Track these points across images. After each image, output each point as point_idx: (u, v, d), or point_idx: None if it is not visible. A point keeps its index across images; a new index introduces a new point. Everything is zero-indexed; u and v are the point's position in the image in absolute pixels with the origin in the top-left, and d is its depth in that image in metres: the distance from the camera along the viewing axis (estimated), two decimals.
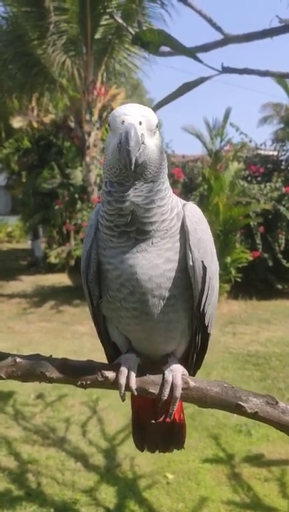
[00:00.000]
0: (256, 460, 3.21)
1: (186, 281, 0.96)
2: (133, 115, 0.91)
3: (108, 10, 8.88)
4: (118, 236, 0.94)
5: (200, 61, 1.55)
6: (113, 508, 2.67)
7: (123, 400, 1.03)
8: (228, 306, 8.28)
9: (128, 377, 1.00)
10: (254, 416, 0.98)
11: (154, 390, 1.01)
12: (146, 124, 0.91)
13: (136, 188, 0.92)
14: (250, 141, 9.81)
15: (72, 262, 10.92)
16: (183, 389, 1.00)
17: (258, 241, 8.40)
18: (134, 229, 0.93)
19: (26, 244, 19.70)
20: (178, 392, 0.99)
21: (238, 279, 8.44)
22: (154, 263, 0.93)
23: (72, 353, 5.63)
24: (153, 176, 0.94)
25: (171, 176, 8.83)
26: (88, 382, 1.02)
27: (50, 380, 1.04)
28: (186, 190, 8.66)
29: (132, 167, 0.87)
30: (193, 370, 1.13)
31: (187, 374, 1.05)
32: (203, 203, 8.43)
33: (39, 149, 12.18)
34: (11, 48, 9.68)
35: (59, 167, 11.31)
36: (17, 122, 12.22)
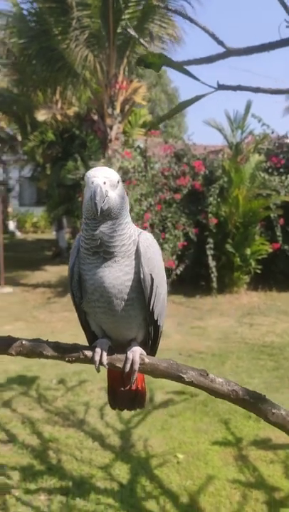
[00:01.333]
0: (263, 444, 3.38)
1: (140, 288, 1.31)
2: (99, 177, 1.25)
3: (130, 4, 9.00)
4: (92, 255, 1.29)
5: (197, 79, 1.71)
6: (126, 483, 2.90)
7: (98, 372, 1.37)
8: (247, 298, 8.40)
9: (101, 356, 1.33)
10: (191, 384, 1.25)
11: (120, 365, 1.35)
12: (109, 182, 1.24)
13: (104, 222, 1.27)
14: (273, 132, 9.81)
15: None
16: (140, 364, 1.34)
17: (278, 233, 8.46)
18: (102, 250, 1.28)
19: (51, 234, 20.10)
20: (136, 366, 1.33)
21: (258, 271, 8.54)
22: (116, 275, 1.28)
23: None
24: (116, 215, 1.28)
25: (192, 168, 8.94)
26: (73, 359, 1.36)
27: (47, 357, 1.28)
28: (206, 183, 8.75)
29: (98, 214, 1.22)
30: (152, 352, 1.48)
31: (144, 354, 1.37)
32: (223, 196, 8.54)
33: (63, 142, 12.44)
34: (36, 43, 9.91)
35: (82, 159, 11.54)
36: (41, 115, 12.47)
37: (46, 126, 12.57)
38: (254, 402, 1.26)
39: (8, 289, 9.33)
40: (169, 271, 8.06)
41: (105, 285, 1.29)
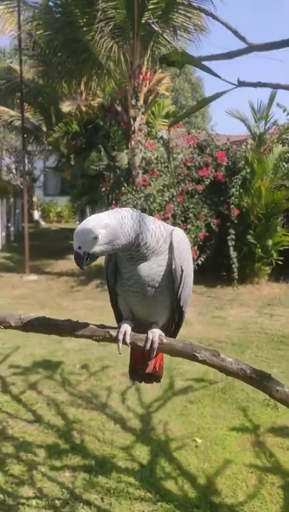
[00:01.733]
0: (280, 431, 3.47)
1: (171, 277, 1.43)
2: (75, 244, 1.32)
3: None
4: (127, 259, 1.45)
5: (218, 76, 1.78)
6: (146, 463, 3.02)
7: (120, 353, 1.50)
8: (268, 288, 8.42)
9: (124, 335, 1.45)
10: (204, 362, 1.35)
11: (141, 344, 1.47)
12: (84, 245, 1.30)
13: (123, 250, 1.41)
14: None
15: None
16: (159, 343, 1.45)
17: None
18: (136, 258, 1.43)
19: (74, 224, 20.33)
20: (155, 345, 1.44)
21: (279, 262, 8.53)
22: (151, 266, 1.41)
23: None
24: (129, 244, 1.36)
25: (214, 159, 8.94)
26: (100, 338, 1.49)
27: (78, 336, 1.40)
28: (229, 174, 8.75)
29: (83, 269, 1.36)
30: (173, 335, 1.62)
31: (163, 335, 1.48)
32: (246, 187, 8.54)
33: (87, 133, 12.57)
34: (61, 34, 10.01)
35: (106, 150, 11.65)
36: (66, 106, 12.60)
37: (71, 117, 12.71)
38: (260, 380, 1.36)
39: (33, 277, 9.55)
40: None
41: (141, 274, 1.42)
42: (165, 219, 8.32)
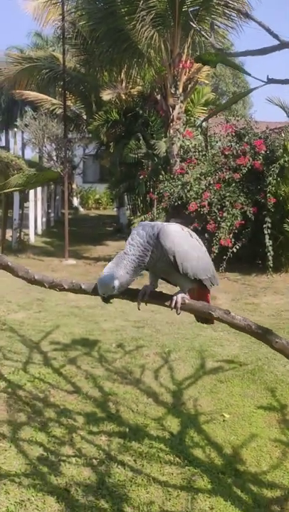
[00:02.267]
0: None
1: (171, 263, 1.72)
2: (100, 291, 1.82)
3: None
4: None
5: (248, 74, 1.94)
6: (176, 433, 3.25)
7: (139, 309, 1.88)
8: None
9: (143, 296, 1.78)
10: (218, 319, 1.57)
11: (167, 304, 1.77)
12: (106, 292, 1.78)
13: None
14: None
15: None
16: (181, 304, 1.73)
17: None
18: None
19: (112, 211, 20.67)
20: (178, 305, 1.74)
21: None
22: (155, 260, 1.74)
23: (149, 312, 6.26)
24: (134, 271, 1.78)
25: (252, 147, 8.96)
26: (125, 295, 1.85)
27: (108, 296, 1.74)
28: (266, 162, 8.76)
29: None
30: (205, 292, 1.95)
31: (186, 297, 1.74)
32: (283, 175, 8.54)
33: (126, 121, 12.76)
34: (104, 24, 10.20)
35: (144, 138, 11.82)
36: (107, 95, 12.83)
37: (111, 105, 12.92)
38: (263, 334, 1.56)
39: (72, 261, 9.91)
40: (224, 249, 8.25)
41: (155, 265, 1.80)
42: (201, 207, 8.47)
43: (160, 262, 1.75)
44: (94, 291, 1.85)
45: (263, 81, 2.02)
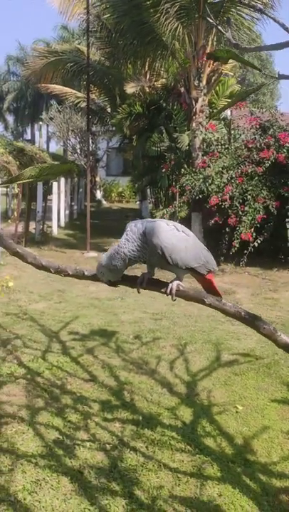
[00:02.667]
0: None
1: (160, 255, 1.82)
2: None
3: None
4: None
5: (259, 70, 1.97)
6: (188, 422, 3.31)
7: (139, 292, 1.98)
8: None
9: (142, 282, 1.89)
10: (210, 305, 1.61)
11: (163, 290, 1.88)
12: (102, 278, 1.91)
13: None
14: None
15: None
16: (176, 290, 1.83)
17: None
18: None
19: (135, 204, 20.74)
20: (173, 291, 1.84)
21: None
22: (147, 254, 1.85)
23: (168, 305, 6.32)
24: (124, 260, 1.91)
25: (276, 140, 8.87)
26: (126, 282, 1.96)
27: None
28: None
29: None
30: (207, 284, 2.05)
31: (181, 284, 1.85)
32: None
33: (149, 114, 12.77)
34: (128, 17, 10.22)
35: (167, 131, 11.82)
36: (130, 88, 12.86)
37: (134, 98, 12.95)
38: (252, 320, 1.62)
39: (93, 254, 10.04)
40: (246, 244, 8.23)
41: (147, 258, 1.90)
42: (223, 201, 8.45)
43: (152, 256, 1.86)
44: (96, 277, 1.96)
45: (273, 77, 2.05)
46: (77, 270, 1.87)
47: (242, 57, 1.96)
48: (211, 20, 2.44)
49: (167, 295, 1.87)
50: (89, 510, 2.44)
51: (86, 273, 1.94)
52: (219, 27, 2.38)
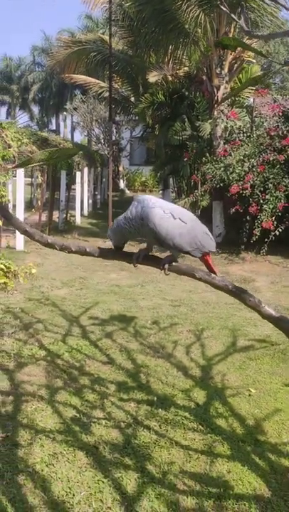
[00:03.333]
0: None
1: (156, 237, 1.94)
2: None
3: None
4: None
5: (265, 56, 2.02)
6: (201, 404, 3.41)
7: (135, 267, 2.12)
8: None
9: (137, 258, 2.01)
10: (200, 279, 1.70)
11: (158, 265, 1.98)
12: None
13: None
14: None
15: (198, 212, 11.55)
16: (168, 265, 1.95)
17: None
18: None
19: (158, 193, 20.76)
20: (166, 266, 1.96)
21: None
22: (142, 233, 1.98)
23: (187, 292, 6.40)
24: (125, 230, 2.05)
25: None
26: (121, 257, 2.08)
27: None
28: None
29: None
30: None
31: (175, 260, 1.98)
32: None
33: (172, 102, 12.74)
34: (150, 5, 10.19)
35: (189, 120, 11.78)
36: (153, 77, 12.85)
37: (157, 87, 12.93)
38: (239, 293, 1.71)
39: None
40: (266, 232, 8.21)
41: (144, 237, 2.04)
42: (243, 189, 8.43)
43: (148, 237, 2.01)
44: (99, 255, 2.09)
45: (280, 63, 2.10)
46: (79, 247, 1.98)
47: (252, 46, 2.01)
48: (224, 8, 2.50)
49: (161, 269, 1.99)
50: (102, 482, 2.56)
51: (88, 249, 2.05)
52: (232, 15, 2.43)
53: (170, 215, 1.96)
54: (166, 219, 1.95)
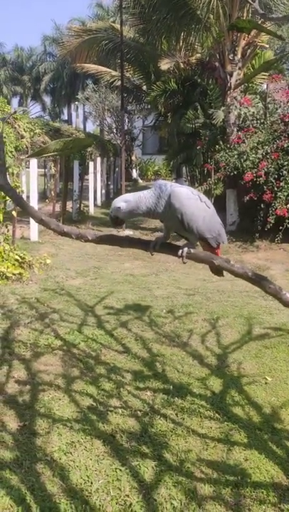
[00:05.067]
0: None
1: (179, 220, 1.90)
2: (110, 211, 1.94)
3: None
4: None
5: (282, 38, 1.98)
6: (218, 392, 3.41)
7: (152, 254, 2.02)
8: None
9: (154, 245, 1.94)
10: (218, 267, 1.69)
11: (176, 252, 1.93)
12: (113, 211, 1.92)
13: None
14: None
15: (212, 200, 11.47)
16: (187, 253, 1.89)
17: None
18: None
19: (171, 182, 20.64)
20: (184, 254, 1.90)
21: None
22: (164, 217, 1.94)
23: (201, 281, 6.38)
24: (144, 213, 1.96)
25: None
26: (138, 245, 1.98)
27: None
28: None
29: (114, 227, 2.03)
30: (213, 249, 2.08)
31: (193, 248, 1.93)
32: None
33: (184, 90, 12.61)
34: None
35: (202, 107, 11.66)
36: (165, 64, 12.74)
37: (169, 75, 12.80)
38: (258, 280, 1.69)
39: (128, 232, 10.16)
40: (281, 219, 8.13)
41: (164, 221, 2.01)
42: (257, 177, 8.34)
43: (171, 219, 1.94)
44: (101, 240, 2.01)
45: None
46: (96, 235, 1.95)
47: (271, 28, 1.96)
48: None
49: (179, 257, 1.95)
50: (120, 470, 2.58)
51: (103, 238, 2.03)
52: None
53: (197, 197, 1.94)
54: (193, 200, 1.93)
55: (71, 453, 2.71)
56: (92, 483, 2.47)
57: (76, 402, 3.23)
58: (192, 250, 1.91)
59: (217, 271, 2.12)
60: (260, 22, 7.50)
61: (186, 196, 1.91)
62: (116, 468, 2.59)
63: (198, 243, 2.04)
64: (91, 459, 2.66)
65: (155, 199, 1.90)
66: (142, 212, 1.92)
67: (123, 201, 1.91)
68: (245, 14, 9.56)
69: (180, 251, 1.92)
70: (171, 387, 3.47)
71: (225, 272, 1.97)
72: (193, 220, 1.91)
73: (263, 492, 2.43)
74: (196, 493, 2.41)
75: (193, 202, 1.92)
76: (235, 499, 2.38)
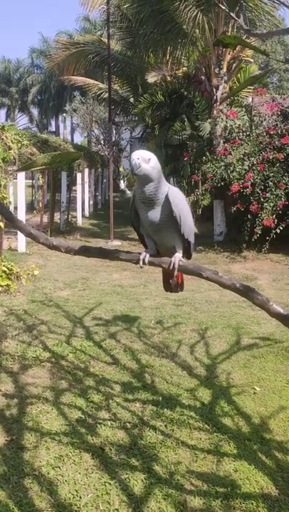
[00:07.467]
0: None
1: (172, 220, 1.89)
2: (135, 155, 1.78)
3: None
4: (142, 203, 1.89)
5: (266, 54, 2.02)
6: (207, 403, 3.40)
7: (141, 267, 1.96)
8: None
9: (144, 258, 1.90)
10: (207, 278, 1.69)
11: (165, 266, 1.90)
12: (141, 158, 1.77)
13: (147, 185, 1.83)
14: None
15: (199, 211, 11.56)
16: (179, 265, 1.88)
17: None
18: (147, 201, 1.86)
19: None
20: (176, 266, 1.88)
21: None
22: (156, 214, 1.87)
23: (190, 291, 6.40)
24: (152, 181, 1.81)
25: None
26: (128, 258, 1.93)
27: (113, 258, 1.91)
28: None
29: (132, 175, 1.82)
30: (188, 256, 2.08)
31: (183, 260, 1.93)
32: None
33: (171, 102, 12.76)
34: (148, 6, 10.19)
35: (189, 119, 11.80)
36: (152, 77, 12.87)
37: (156, 87, 12.94)
38: (246, 292, 1.69)
39: (117, 243, 10.17)
40: (268, 230, 8.21)
41: (150, 219, 1.91)
42: (244, 188, 8.43)
43: (164, 218, 1.90)
44: (100, 254, 2.01)
45: (281, 61, 2.09)
46: (85, 247, 1.94)
47: (254, 43, 2.00)
48: (223, 7, 2.49)
49: (169, 269, 1.93)
50: (109, 483, 2.56)
51: (92, 251, 2.01)
52: (231, 13, 2.42)
53: (186, 198, 1.98)
54: (186, 201, 1.98)
55: (59, 467, 2.68)
56: (80, 497, 2.44)
57: (64, 415, 3.20)
58: (182, 262, 1.91)
59: (171, 288, 2.20)
60: (244, 37, 7.68)
61: (182, 197, 1.95)
62: (105, 482, 2.57)
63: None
64: (80, 473, 2.64)
65: (154, 188, 1.85)
66: (153, 180, 1.81)
67: (152, 156, 1.81)
68: (230, 29, 9.72)
69: (171, 263, 1.90)
70: (161, 398, 3.46)
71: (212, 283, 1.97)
72: (187, 220, 1.94)
73: (252, 503, 2.42)
74: (186, 505, 2.40)
75: (186, 203, 1.98)
76: (225, 511, 2.37)
